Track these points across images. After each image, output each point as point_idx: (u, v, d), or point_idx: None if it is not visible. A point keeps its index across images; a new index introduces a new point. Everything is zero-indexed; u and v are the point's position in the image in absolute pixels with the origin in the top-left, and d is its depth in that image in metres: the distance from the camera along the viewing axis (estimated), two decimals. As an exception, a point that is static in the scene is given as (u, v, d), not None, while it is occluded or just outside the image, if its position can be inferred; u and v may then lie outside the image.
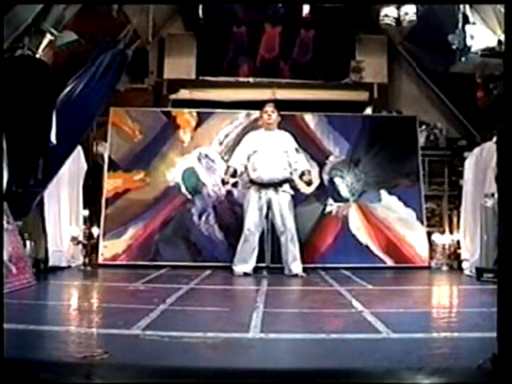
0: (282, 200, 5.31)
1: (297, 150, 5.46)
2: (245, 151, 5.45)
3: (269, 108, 5.51)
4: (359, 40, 7.14)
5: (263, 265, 5.97)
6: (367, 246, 6.16)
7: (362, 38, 7.15)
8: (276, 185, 5.31)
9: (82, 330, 2.62)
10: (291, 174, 5.41)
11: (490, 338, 1.97)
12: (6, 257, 3.78)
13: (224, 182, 5.51)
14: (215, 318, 3.05)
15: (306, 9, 6.56)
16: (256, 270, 5.41)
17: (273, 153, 5.35)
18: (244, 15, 6.90)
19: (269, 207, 5.35)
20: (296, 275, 5.17)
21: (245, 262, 5.29)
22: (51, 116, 4.47)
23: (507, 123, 1.90)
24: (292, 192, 5.44)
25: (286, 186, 5.37)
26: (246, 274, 5.23)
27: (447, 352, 2.23)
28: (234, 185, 5.80)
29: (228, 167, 5.51)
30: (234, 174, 5.44)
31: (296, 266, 5.24)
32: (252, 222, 5.31)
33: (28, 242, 4.63)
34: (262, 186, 5.32)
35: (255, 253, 5.37)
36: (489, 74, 5.27)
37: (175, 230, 6.13)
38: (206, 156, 6.36)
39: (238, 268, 5.27)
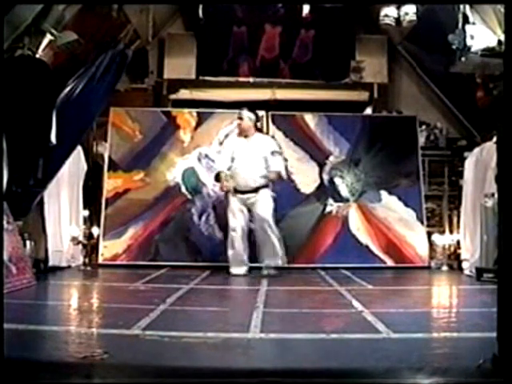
0: (260, 198, 5.23)
1: (273, 153, 5.33)
2: (228, 155, 5.39)
3: (239, 115, 5.41)
4: (359, 40, 7.14)
5: (263, 265, 5.96)
6: (367, 246, 6.16)
7: (362, 37, 7.15)
8: (253, 191, 5.25)
9: (82, 329, 2.61)
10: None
11: (490, 338, 1.97)
12: (5, 257, 3.78)
13: (224, 190, 5.36)
14: (215, 318, 3.04)
15: (305, 9, 6.57)
16: (252, 270, 5.40)
17: (249, 160, 5.27)
18: (244, 15, 6.91)
19: (250, 210, 5.31)
20: (269, 272, 5.12)
21: (239, 264, 5.27)
22: (51, 116, 4.48)
23: (507, 123, 1.90)
24: (273, 194, 5.35)
25: (264, 191, 5.28)
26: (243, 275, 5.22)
27: (447, 352, 2.23)
28: None
29: (220, 173, 5.37)
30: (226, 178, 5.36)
31: (272, 261, 5.18)
32: (236, 222, 5.28)
33: (28, 242, 4.62)
34: (240, 192, 5.28)
35: (246, 253, 5.33)
36: (489, 73, 5.27)
37: (175, 230, 6.13)
38: (206, 156, 6.35)
39: (235, 270, 5.26)
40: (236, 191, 5.29)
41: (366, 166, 6.43)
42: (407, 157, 6.49)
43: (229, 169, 5.35)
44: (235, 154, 5.35)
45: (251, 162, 5.28)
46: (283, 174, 5.44)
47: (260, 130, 5.66)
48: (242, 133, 5.43)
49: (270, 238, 5.24)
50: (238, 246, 5.30)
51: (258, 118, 5.54)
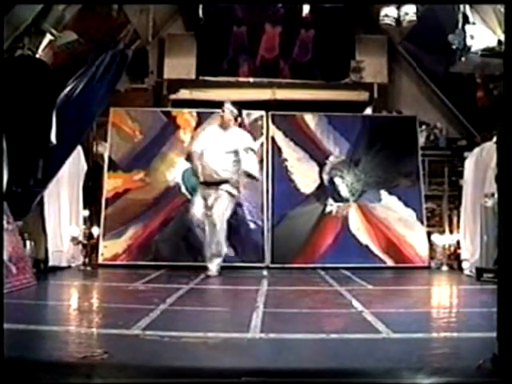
0: (218, 196, 5.17)
1: (247, 150, 5.26)
2: (202, 141, 5.39)
3: (224, 107, 5.38)
4: (359, 40, 7.15)
5: (263, 265, 5.97)
6: (367, 246, 6.16)
7: (361, 37, 7.16)
8: (215, 184, 5.20)
9: (82, 329, 2.62)
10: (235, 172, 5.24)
11: (490, 337, 1.97)
12: (5, 257, 3.78)
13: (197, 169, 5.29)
14: (215, 318, 3.05)
15: (305, 9, 6.58)
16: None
17: (218, 153, 5.21)
18: (244, 15, 6.91)
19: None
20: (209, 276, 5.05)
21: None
22: (51, 116, 4.48)
23: (507, 123, 1.90)
24: (233, 192, 5.26)
25: (227, 186, 5.20)
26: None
27: (447, 352, 2.23)
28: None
29: (194, 152, 5.33)
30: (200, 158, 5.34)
31: (211, 265, 5.13)
32: (195, 217, 5.28)
33: (28, 242, 4.63)
34: (205, 183, 5.25)
35: (206, 248, 5.25)
36: (489, 74, 5.28)
37: (175, 230, 6.12)
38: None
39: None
40: (201, 183, 5.29)
41: (366, 166, 6.43)
42: (407, 157, 6.49)
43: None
44: (208, 145, 5.29)
45: (220, 156, 5.20)
46: (255, 173, 5.34)
47: (240, 126, 5.59)
48: (223, 124, 5.39)
49: (216, 238, 5.16)
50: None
51: (240, 113, 5.47)
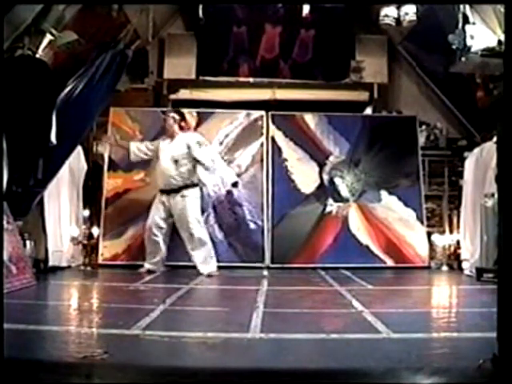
0: (182, 204, 5.31)
1: (199, 144, 5.37)
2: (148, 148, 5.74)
3: (165, 116, 5.62)
4: (359, 40, 7.13)
5: (263, 265, 5.97)
6: (367, 246, 6.16)
7: (361, 37, 7.14)
8: (174, 191, 5.34)
9: (82, 330, 2.62)
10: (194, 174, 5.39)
11: (490, 337, 1.97)
12: (5, 257, 3.78)
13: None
14: (215, 318, 3.05)
15: (305, 9, 6.57)
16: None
17: (168, 162, 5.38)
18: (244, 15, 6.90)
19: (169, 210, 5.43)
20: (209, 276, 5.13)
21: (152, 257, 5.44)
22: (51, 116, 4.48)
23: (507, 123, 1.90)
24: (195, 194, 5.39)
25: (187, 192, 5.33)
26: (150, 272, 5.29)
27: (447, 352, 2.23)
28: (235, 185, 5.79)
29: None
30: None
31: (204, 268, 5.22)
32: (152, 222, 5.42)
33: (28, 242, 4.63)
34: (164, 191, 5.42)
35: (161, 250, 5.44)
36: (489, 74, 5.28)
37: (175, 230, 6.11)
38: (206, 156, 6.33)
39: (146, 264, 5.42)
40: (160, 191, 5.46)
41: (366, 166, 6.43)
42: (407, 157, 6.49)
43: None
44: (159, 154, 5.53)
45: (170, 164, 5.37)
46: (234, 179, 5.58)
47: (187, 129, 5.78)
48: (167, 133, 5.61)
49: (200, 248, 5.30)
50: (151, 242, 5.47)
51: (182, 117, 5.65)
